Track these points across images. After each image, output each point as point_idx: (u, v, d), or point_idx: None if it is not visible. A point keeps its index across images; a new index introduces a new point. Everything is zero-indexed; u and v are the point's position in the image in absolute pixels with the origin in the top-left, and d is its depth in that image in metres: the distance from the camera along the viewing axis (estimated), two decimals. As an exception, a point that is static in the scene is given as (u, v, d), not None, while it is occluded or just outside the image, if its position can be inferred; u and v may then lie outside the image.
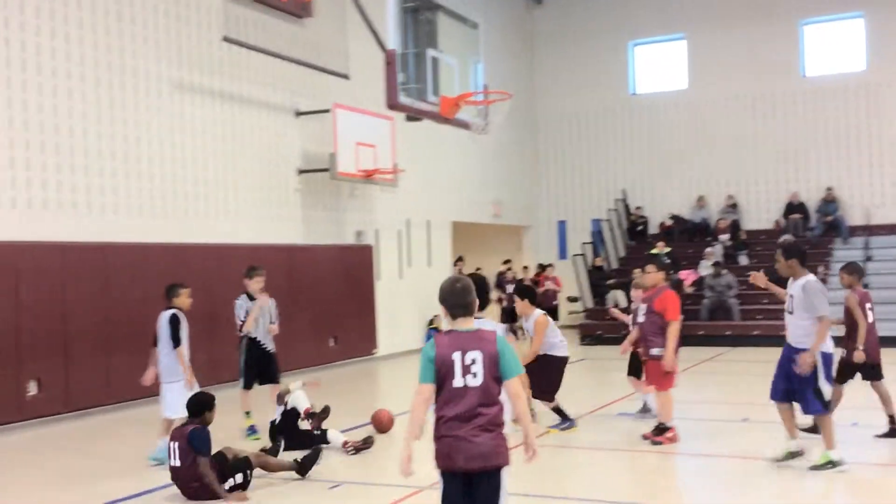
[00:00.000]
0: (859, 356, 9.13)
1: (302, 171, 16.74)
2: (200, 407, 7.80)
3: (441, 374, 4.94)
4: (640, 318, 9.64)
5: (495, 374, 4.93)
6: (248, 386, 10.50)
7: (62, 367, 11.82)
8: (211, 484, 7.38)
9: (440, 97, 13.37)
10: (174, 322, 9.13)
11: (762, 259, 22.44)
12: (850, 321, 9.44)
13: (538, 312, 10.16)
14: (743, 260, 22.87)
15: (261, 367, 10.54)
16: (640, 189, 25.69)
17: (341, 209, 17.91)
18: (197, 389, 8.92)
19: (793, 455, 8.24)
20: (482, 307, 5.72)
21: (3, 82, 11.50)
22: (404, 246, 19.92)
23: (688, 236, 24.23)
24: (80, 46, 12.53)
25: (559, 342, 10.08)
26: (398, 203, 19.58)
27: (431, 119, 13.95)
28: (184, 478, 7.50)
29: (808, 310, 7.96)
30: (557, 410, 10.08)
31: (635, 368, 10.63)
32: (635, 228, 25.21)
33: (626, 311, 11.76)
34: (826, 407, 8.07)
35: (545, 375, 9.83)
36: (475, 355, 4.92)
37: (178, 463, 7.51)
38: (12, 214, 11.55)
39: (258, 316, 10.41)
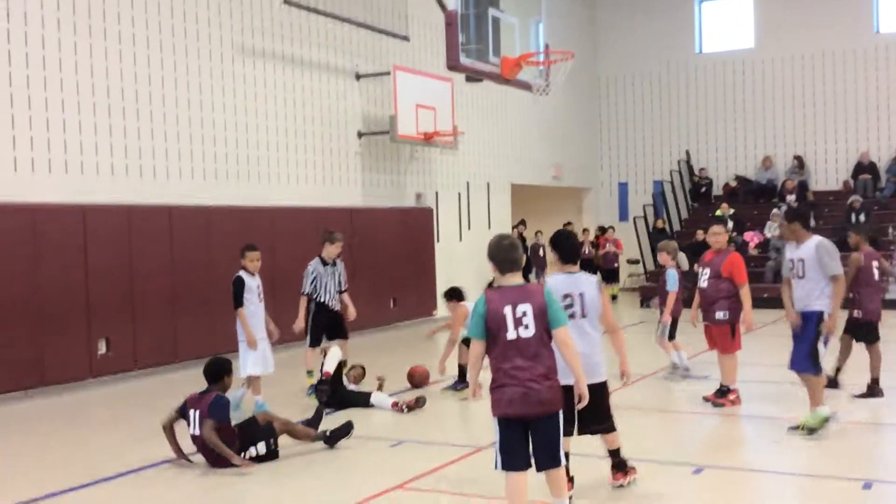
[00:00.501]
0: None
1: (362, 134, 16.79)
2: (219, 372, 7.76)
3: (494, 329, 5.21)
4: (703, 283, 9.50)
5: (545, 324, 5.20)
6: (314, 344, 10.61)
7: (130, 328, 12.12)
8: (217, 448, 7.32)
9: (501, 57, 13.26)
10: (234, 284, 9.36)
11: (829, 221, 21.95)
12: (856, 281, 9.48)
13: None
14: (810, 222, 22.38)
15: (330, 326, 10.67)
16: (705, 150, 25.25)
17: (401, 172, 17.95)
18: (261, 349, 9.07)
19: (826, 420, 8.07)
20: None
21: (70, 48, 11.71)
22: (464, 208, 19.91)
23: (753, 198, 23.78)
24: (144, 11, 12.68)
25: None
26: (458, 165, 19.55)
27: (492, 80, 13.86)
28: (203, 445, 7.50)
29: (822, 270, 7.88)
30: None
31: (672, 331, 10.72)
32: (699, 190, 24.81)
33: (688, 274, 11.68)
34: (817, 368, 8.02)
35: None
36: (525, 308, 5.20)
37: (196, 432, 7.48)
38: (81, 179, 11.80)
39: (327, 281, 10.55)
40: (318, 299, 10.55)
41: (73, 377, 11.40)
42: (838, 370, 9.96)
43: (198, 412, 7.47)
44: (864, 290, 9.62)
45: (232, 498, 6.95)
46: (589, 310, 6.13)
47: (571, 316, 5.94)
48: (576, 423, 6.07)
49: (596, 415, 6.09)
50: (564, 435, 5.48)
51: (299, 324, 10.54)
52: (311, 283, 10.54)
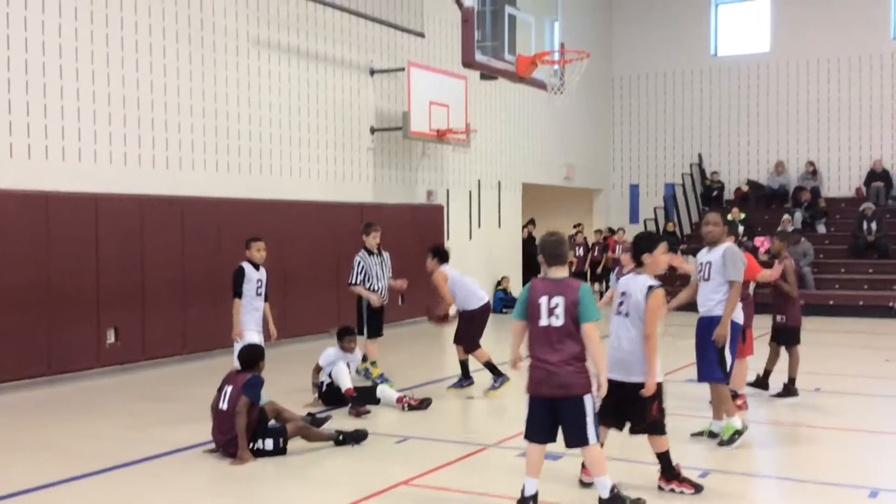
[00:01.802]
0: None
1: (375, 130, 16.79)
2: (253, 358, 7.87)
3: (531, 314, 5.89)
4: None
5: (574, 316, 5.78)
6: (374, 335, 10.93)
7: (139, 318, 12.14)
8: (238, 430, 7.38)
9: (516, 56, 13.24)
10: (234, 273, 9.45)
11: (840, 227, 21.89)
12: (778, 289, 9.98)
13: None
14: (821, 228, 22.31)
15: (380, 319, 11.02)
16: (717, 153, 25.19)
17: (413, 168, 17.94)
18: (248, 342, 8.77)
19: (737, 433, 7.90)
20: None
21: (86, 37, 11.73)
22: (475, 207, 19.90)
23: (765, 203, 23.71)
24: (161, 1, 12.70)
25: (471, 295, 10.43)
26: (470, 163, 19.53)
27: (507, 78, 13.84)
28: (224, 424, 7.51)
29: (725, 275, 7.88)
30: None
31: None
32: (710, 194, 24.74)
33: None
34: (726, 376, 7.99)
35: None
36: (558, 300, 5.81)
37: (225, 406, 7.55)
38: (93, 168, 11.82)
39: (377, 271, 10.95)
40: (370, 288, 10.86)
41: (80, 366, 11.42)
42: (767, 373, 10.28)
43: (231, 388, 7.58)
44: (786, 297, 10.03)
45: (238, 490, 6.95)
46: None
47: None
48: (619, 418, 6.47)
49: (639, 414, 6.40)
50: (604, 425, 6.27)
51: (375, 300, 10.86)
52: (359, 273, 10.87)
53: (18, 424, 9.12)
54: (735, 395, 9.31)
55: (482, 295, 10.56)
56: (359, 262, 10.91)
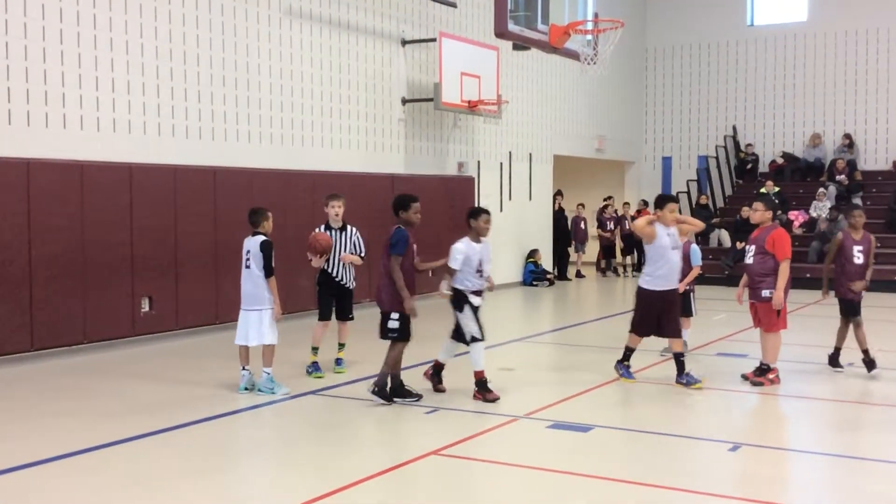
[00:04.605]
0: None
1: (406, 101, 16.75)
2: (400, 204, 9.15)
3: None
4: (749, 260, 9.39)
5: None
6: (323, 318, 9.88)
7: (173, 287, 12.26)
8: (398, 285, 8.35)
9: (549, 25, 13.12)
10: (268, 250, 8.81)
11: (876, 201, 21.58)
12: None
13: None
14: (857, 202, 22.00)
15: (337, 302, 9.92)
16: (752, 125, 24.88)
17: (444, 139, 17.90)
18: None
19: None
20: None
21: (120, 9, 11.77)
22: (505, 179, 19.84)
23: (800, 175, 23.42)
24: (192, -28, 12.71)
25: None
26: (501, 135, 19.45)
27: (539, 48, 13.72)
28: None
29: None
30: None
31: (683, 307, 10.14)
32: (744, 166, 24.47)
33: (731, 251, 11.46)
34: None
35: None
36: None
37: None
38: (128, 139, 11.91)
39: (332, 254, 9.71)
40: (321, 267, 9.78)
41: (115, 335, 11.57)
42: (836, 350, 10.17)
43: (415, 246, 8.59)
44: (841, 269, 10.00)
45: (269, 454, 7.04)
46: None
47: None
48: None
49: None
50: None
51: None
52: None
53: (58, 390, 9.26)
54: (767, 369, 9.29)
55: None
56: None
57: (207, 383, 9.40)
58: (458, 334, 8.82)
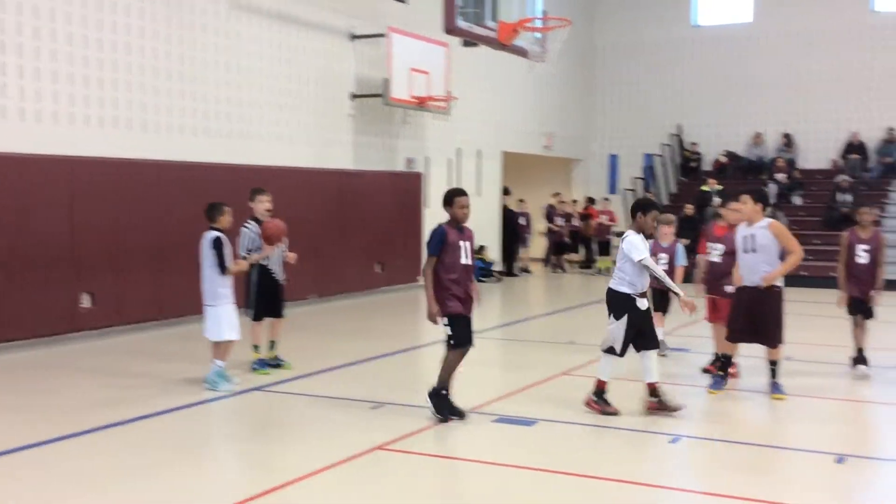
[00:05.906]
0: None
1: (355, 96, 16.70)
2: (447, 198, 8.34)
3: None
4: (716, 258, 9.53)
5: None
6: (258, 318, 9.76)
7: (115, 282, 12.08)
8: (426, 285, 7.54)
9: (499, 22, 13.19)
10: (218, 246, 8.67)
11: (816, 199, 22.06)
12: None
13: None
14: (797, 200, 22.49)
15: (272, 299, 9.80)
16: (697, 125, 25.25)
17: (393, 135, 17.88)
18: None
19: None
20: None
21: (62, -3, 11.57)
22: (454, 175, 19.88)
23: (742, 174, 23.85)
24: (137, -37, 12.53)
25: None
26: (449, 131, 19.49)
27: (488, 45, 13.80)
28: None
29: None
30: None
31: (659, 304, 10.22)
32: (688, 164, 24.84)
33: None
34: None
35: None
36: None
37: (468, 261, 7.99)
38: (69, 130, 11.71)
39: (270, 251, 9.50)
40: (260, 263, 9.60)
41: (55, 331, 11.36)
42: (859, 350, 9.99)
43: (469, 244, 7.99)
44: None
45: (214, 450, 6.99)
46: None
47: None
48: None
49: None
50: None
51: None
52: (247, 245, 9.56)
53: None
54: (729, 361, 9.09)
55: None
56: (245, 233, 9.54)
57: (150, 379, 9.29)
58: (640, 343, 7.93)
